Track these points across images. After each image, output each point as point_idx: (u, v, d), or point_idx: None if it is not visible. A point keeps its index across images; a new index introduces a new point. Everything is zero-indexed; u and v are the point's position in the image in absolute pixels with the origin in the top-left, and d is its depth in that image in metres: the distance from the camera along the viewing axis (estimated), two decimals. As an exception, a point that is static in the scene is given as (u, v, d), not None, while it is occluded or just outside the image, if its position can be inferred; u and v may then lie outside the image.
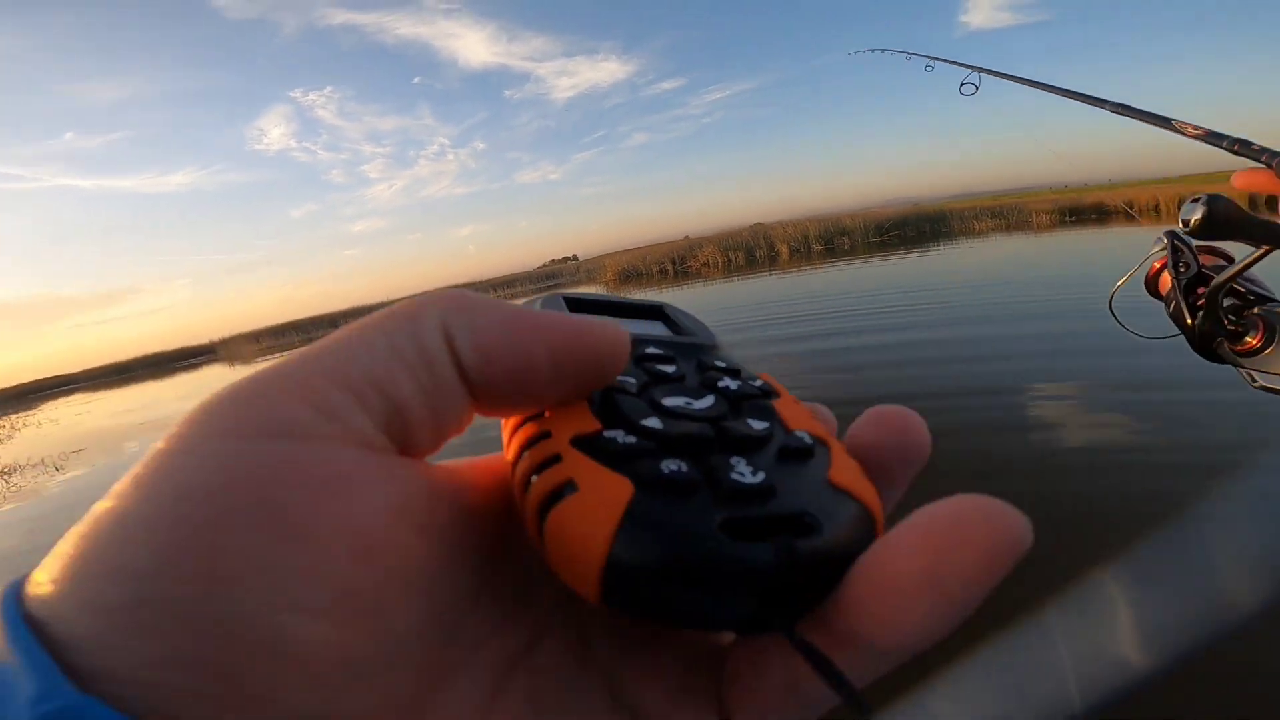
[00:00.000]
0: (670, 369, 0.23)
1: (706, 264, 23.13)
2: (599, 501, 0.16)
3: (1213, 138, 0.67)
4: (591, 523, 0.15)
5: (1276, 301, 0.65)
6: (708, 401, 0.21)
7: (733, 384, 0.22)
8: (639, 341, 0.24)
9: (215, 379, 20.16)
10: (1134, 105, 0.85)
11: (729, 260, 22.84)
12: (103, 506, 0.13)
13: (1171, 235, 0.74)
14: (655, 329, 0.28)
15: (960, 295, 7.92)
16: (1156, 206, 21.51)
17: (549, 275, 44.60)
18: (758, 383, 0.23)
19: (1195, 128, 0.70)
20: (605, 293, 0.32)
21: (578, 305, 0.28)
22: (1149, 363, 3.84)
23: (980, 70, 1.27)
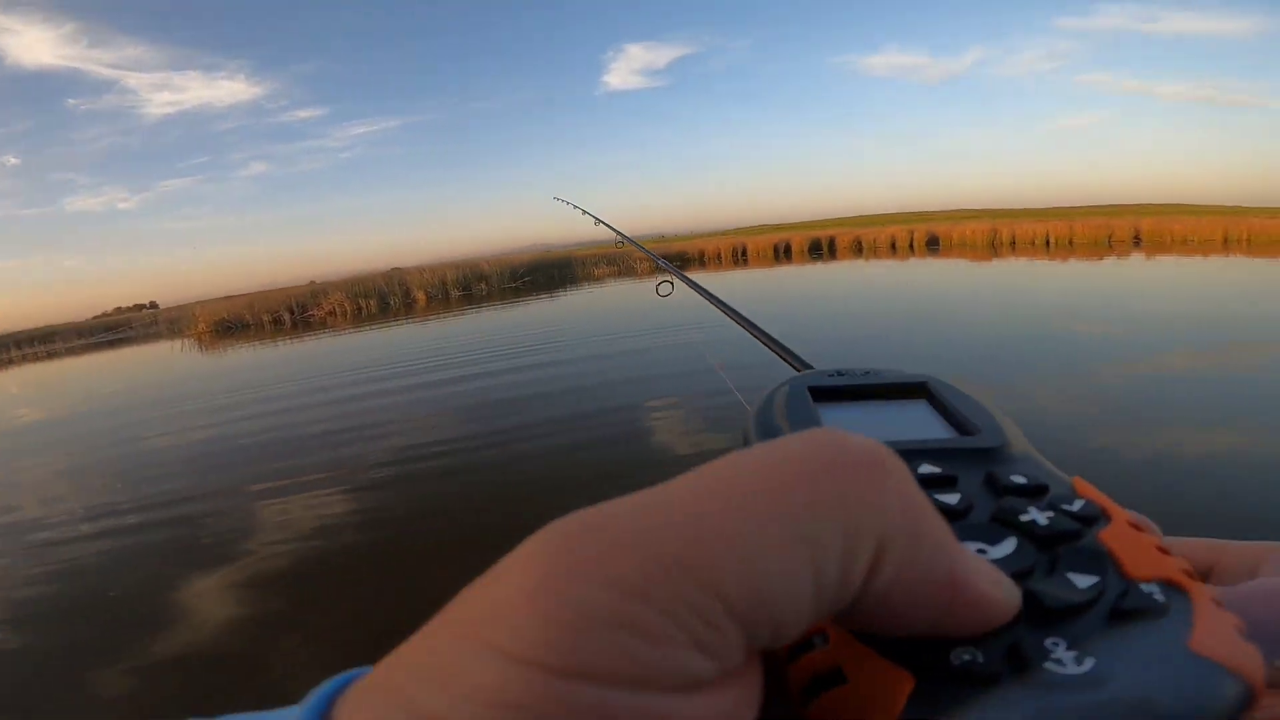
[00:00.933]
0: (952, 499, 0.17)
1: (333, 312, 20.77)
2: (870, 700, 0.13)
3: None
4: None
5: None
6: (1007, 548, 0.16)
7: (1040, 516, 0.17)
8: (906, 456, 0.18)
9: None
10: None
11: (359, 308, 20.94)
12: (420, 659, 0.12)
13: None
14: (918, 417, 0.23)
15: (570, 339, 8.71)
16: (719, 255, 27.78)
17: (113, 326, 34.47)
18: (1076, 505, 0.17)
19: None
20: (838, 368, 0.26)
21: (822, 394, 0.24)
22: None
23: (675, 273, 1.51)
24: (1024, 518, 0.16)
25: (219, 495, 4.58)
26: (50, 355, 25.36)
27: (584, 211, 3.84)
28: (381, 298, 21.70)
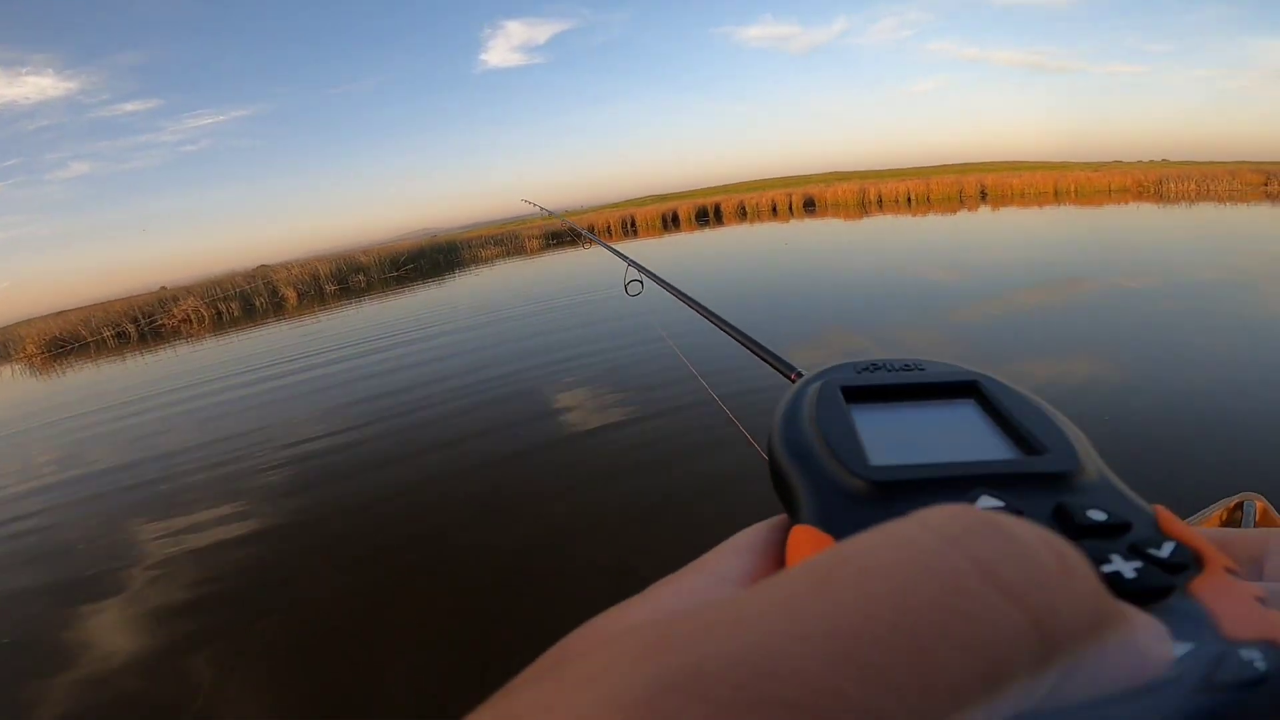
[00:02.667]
0: None
1: (187, 319, 18.73)
2: None
3: None
4: None
5: None
6: None
7: (1127, 567, 0.14)
8: (962, 484, 0.17)
9: None
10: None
11: (219, 312, 19.02)
12: None
13: None
14: (970, 426, 0.20)
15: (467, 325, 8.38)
16: (609, 227, 27.71)
17: (-85, 358, 29.26)
18: (1164, 549, 0.14)
19: None
20: (875, 359, 0.23)
21: (856, 394, 0.21)
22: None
23: (644, 272, 1.58)
24: (1107, 569, 0.14)
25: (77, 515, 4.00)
26: None
27: (542, 209, 3.74)
28: (245, 299, 19.81)
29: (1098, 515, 0.15)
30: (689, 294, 1.30)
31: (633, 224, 28.29)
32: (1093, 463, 0.18)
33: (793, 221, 22.68)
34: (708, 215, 28.65)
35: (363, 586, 2.86)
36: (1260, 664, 0.12)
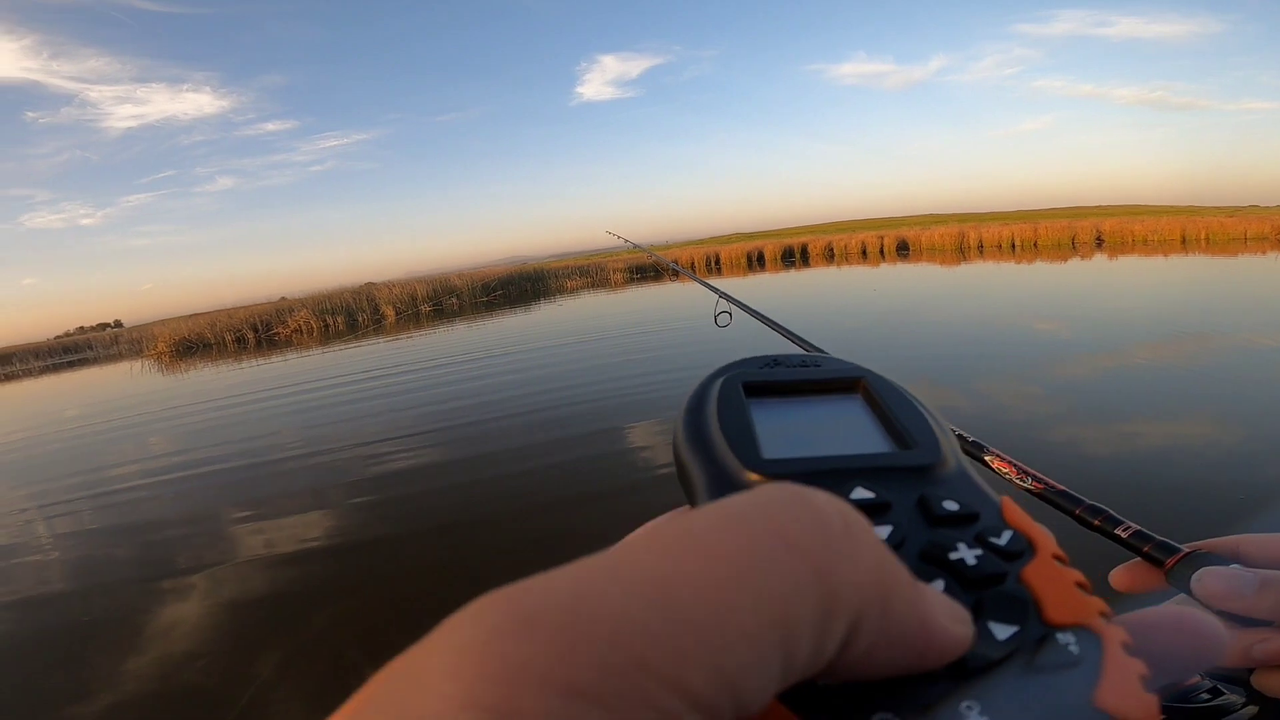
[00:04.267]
0: (885, 530, 0.17)
1: (299, 330, 20.28)
2: None
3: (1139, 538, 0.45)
4: None
5: None
6: (937, 589, 0.15)
7: (969, 554, 0.16)
8: (841, 476, 0.18)
9: None
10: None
11: (326, 325, 20.48)
12: None
13: None
14: (853, 420, 0.22)
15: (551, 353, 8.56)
16: (692, 264, 27.86)
17: (74, 347, 33.30)
18: (1003, 537, 0.16)
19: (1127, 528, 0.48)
20: (775, 355, 0.25)
21: (755, 389, 0.23)
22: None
23: (733, 303, 1.63)
24: (953, 555, 0.16)
25: (185, 519, 4.31)
26: (8, 378, 24.36)
27: (628, 242, 3.82)
28: (350, 314, 21.27)
29: (951, 505, 0.17)
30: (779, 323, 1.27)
31: (717, 261, 28.31)
32: (952, 455, 0.20)
33: (883, 265, 21.95)
34: (794, 256, 28.25)
35: (444, 584, 2.87)
36: (1073, 648, 0.13)
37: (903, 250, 26.62)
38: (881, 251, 26.79)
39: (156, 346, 20.53)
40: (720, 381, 0.23)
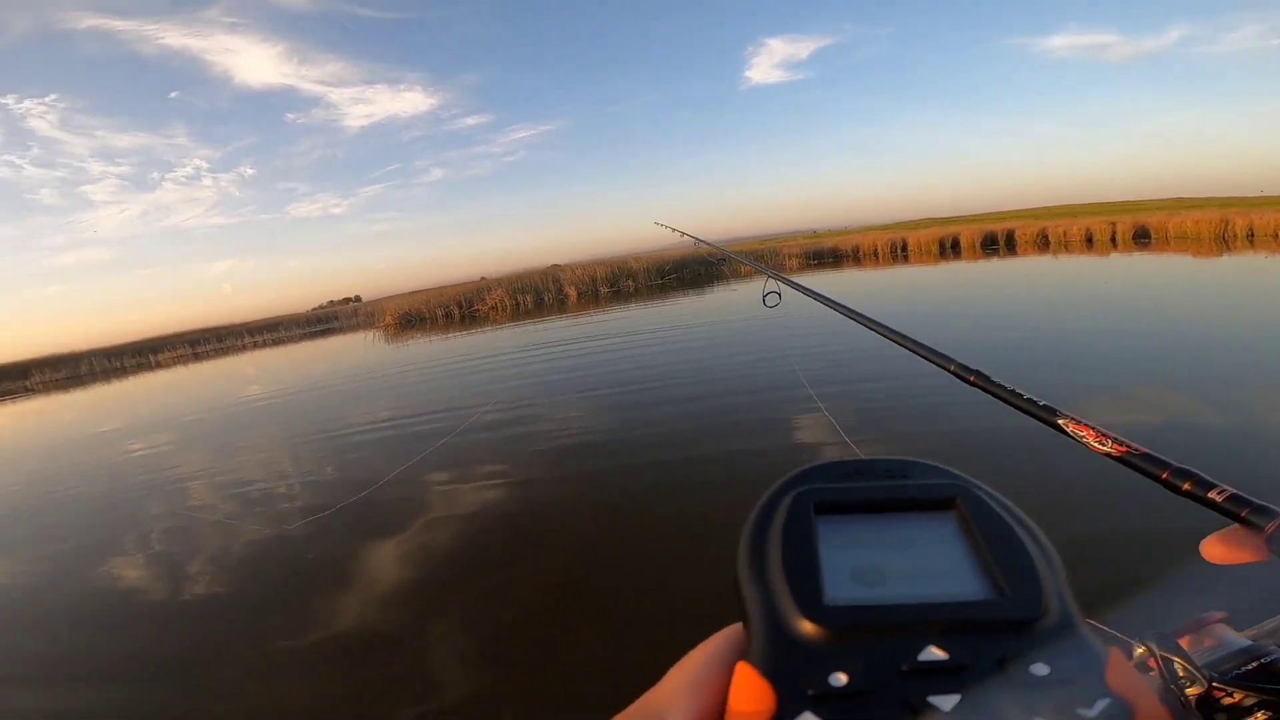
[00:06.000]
0: (948, 703, 0.14)
1: (495, 307, 22.47)
2: None
3: (1199, 489, 0.42)
4: None
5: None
6: None
7: None
8: (912, 632, 0.16)
9: None
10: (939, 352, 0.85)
11: (517, 303, 22.43)
12: None
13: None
14: (942, 550, 0.19)
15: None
16: (876, 251, 26.09)
17: (324, 318, 40.12)
18: (1095, 708, 0.14)
19: (1118, 443, 0.50)
20: (857, 459, 0.22)
21: (828, 507, 0.20)
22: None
23: (776, 278, 1.54)
24: None
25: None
26: (275, 342, 30.11)
27: (682, 234, 3.77)
28: (537, 294, 23.08)
29: (1040, 671, 0.15)
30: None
31: (904, 248, 26.19)
32: (1058, 598, 0.17)
33: (1114, 255, 18.77)
34: (997, 243, 25.20)
35: (621, 558, 3.02)
36: None
37: (1141, 238, 22.50)
38: (1114, 239, 22.88)
39: (385, 319, 23.99)
40: (790, 497, 0.21)
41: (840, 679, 0.15)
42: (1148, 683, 0.14)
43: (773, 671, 0.16)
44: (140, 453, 7.36)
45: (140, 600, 3.36)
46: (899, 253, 25.88)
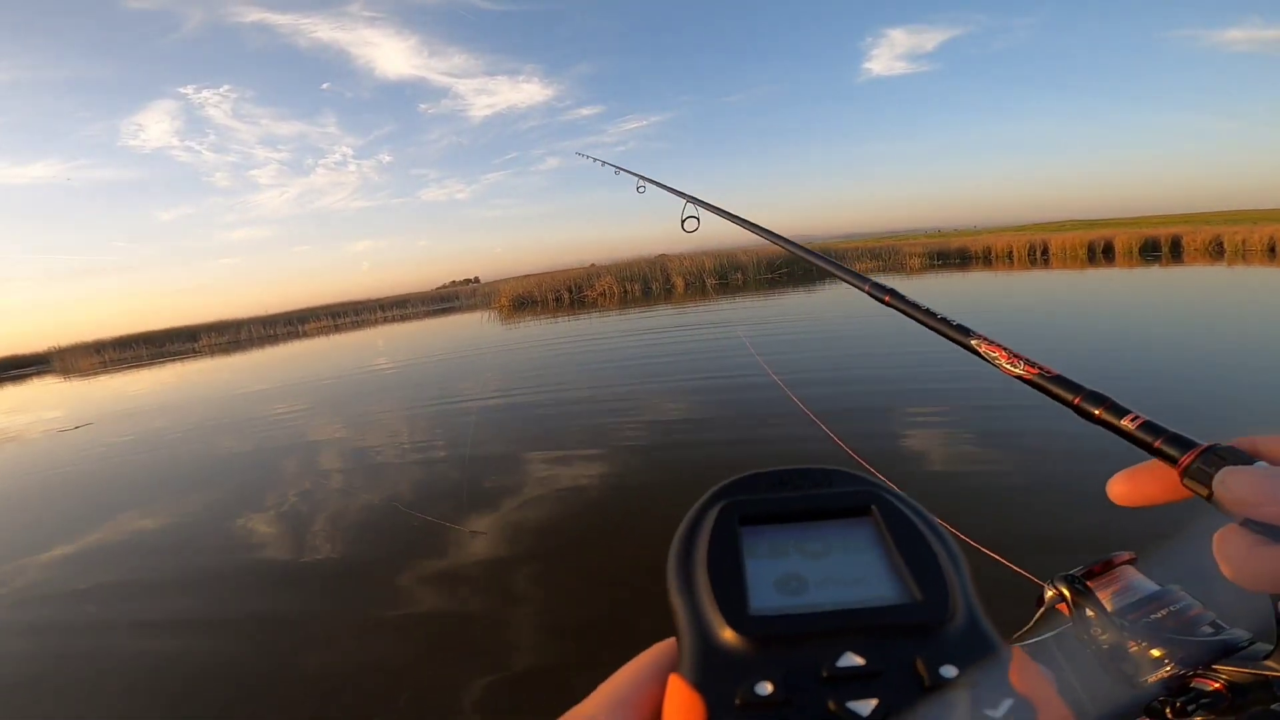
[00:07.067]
0: (865, 708, 0.15)
1: (603, 294, 22.96)
2: None
3: (1148, 430, 0.36)
4: None
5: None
6: None
7: None
8: (830, 637, 0.17)
9: (43, 394, 17.39)
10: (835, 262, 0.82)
11: (625, 291, 22.78)
12: None
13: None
14: (858, 557, 0.20)
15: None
16: (1010, 253, 23.98)
17: (446, 297, 43.00)
18: (1000, 708, 0.15)
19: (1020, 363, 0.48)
20: (781, 469, 0.23)
21: (750, 519, 0.21)
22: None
23: (696, 202, 1.51)
24: None
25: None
26: (403, 318, 32.55)
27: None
28: (644, 282, 23.32)
29: (948, 672, 0.16)
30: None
31: (1044, 252, 23.83)
32: (963, 599, 0.18)
33: (1310, 265, 16.04)
34: (1159, 249, 22.32)
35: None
36: None
37: (1347, 247, 19.08)
38: (1309, 248, 19.58)
39: (500, 300, 25.22)
40: (718, 509, 0.21)
41: (767, 688, 0.16)
42: (1049, 682, 0.15)
43: (702, 682, 0.16)
44: (284, 414, 8.20)
45: (262, 556, 3.67)
46: (1038, 256, 23.59)
